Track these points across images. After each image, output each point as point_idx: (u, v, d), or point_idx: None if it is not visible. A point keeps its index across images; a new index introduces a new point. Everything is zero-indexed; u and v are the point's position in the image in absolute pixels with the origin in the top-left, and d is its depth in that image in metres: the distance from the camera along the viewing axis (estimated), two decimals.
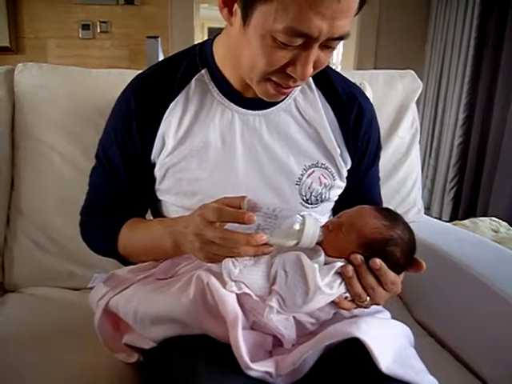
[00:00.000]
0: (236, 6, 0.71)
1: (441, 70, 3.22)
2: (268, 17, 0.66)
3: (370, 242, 0.69)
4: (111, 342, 0.84)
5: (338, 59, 4.57)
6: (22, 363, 0.88)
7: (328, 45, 0.70)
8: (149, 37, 2.83)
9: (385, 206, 0.99)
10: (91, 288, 0.86)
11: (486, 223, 2.14)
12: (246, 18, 0.69)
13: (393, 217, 0.73)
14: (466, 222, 2.18)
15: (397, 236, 0.70)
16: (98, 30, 3.19)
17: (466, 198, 3.05)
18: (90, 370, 0.86)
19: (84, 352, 0.89)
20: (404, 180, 1.39)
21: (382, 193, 1.04)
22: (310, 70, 0.71)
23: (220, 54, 0.85)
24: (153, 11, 3.21)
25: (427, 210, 3.11)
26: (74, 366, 0.87)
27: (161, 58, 2.82)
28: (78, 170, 1.19)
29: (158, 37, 2.81)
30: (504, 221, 2.23)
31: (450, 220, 3.01)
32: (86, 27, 3.16)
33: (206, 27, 7.37)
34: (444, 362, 1.00)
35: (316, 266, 0.67)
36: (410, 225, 0.76)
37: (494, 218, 2.23)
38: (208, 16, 6.23)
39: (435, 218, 1.87)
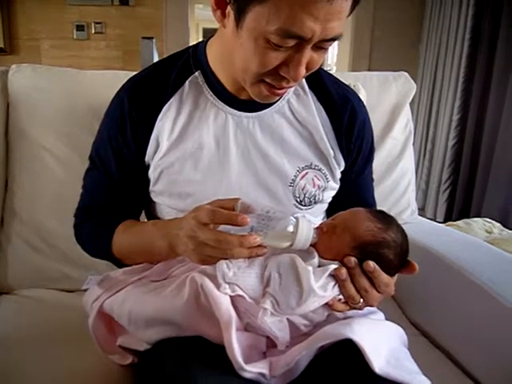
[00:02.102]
0: (229, 8, 0.71)
1: (435, 71, 3.23)
2: (261, 18, 0.66)
3: (363, 245, 0.70)
4: (105, 344, 0.84)
5: (333, 60, 4.59)
6: (16, 365, 0.87)
7: (321, 46, 0.70)
8: (144, 37, 2.82)
9: (379, 207, 1.00)
10: (85, 290, 0.86)
11: (479, 224, 2.15)
12: (238, 19, 0.69)
13: (386, 219, 0.73)
14: (460, 222, 2.20)
15: (390, 239, 0.71)
16: (93, 31, 3.18)
17: (460, 199, 3.06)
18: (84, 372, 0.86)
19: (78, 353, 0.89)
20: (398, 181, 1.40)
21: (376, 194, 1.04)
22: (303, 71, 0.72)
23: (213, 55, 0.85)
24: (147, 12, 3.21)
25: (421, 211, 3.12)
26: (68, 368, 0.87)
27: (155, 58, 2.82)
28: (73, 171, 1.18)
29: (152, 38, 2.81)
30: (497, 221, 2.25)
31: (445, 221, 3.02)
32: (80, 28, 3.15)
33: (201, 28, 7.38)
34: (437, 362, 1.00)
35: (310, 268, 0.67)
36: (404, 226, 0.76)
37: (487, 219, 2.25)
38: (203, 16, 6.24)
39: (429, 218, 1.88)
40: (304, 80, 0.87)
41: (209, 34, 0.88)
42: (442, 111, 3.17)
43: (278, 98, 0.83)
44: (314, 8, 0.63)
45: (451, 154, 3.09)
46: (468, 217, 2.77)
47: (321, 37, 0.67)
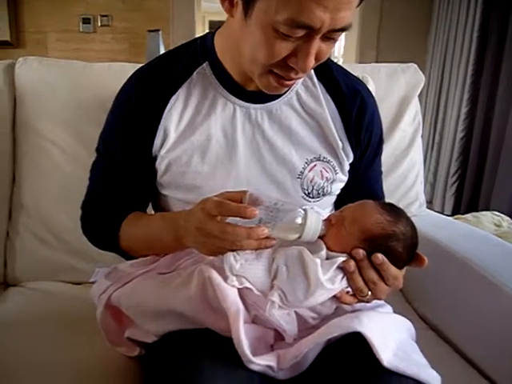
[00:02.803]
0: None
1: (443, 63, 3.20)
2: (270, 8, 0.65)
3: (372, 237, 0.69)
4: (113, 336, 0.84)
5: (340, 52, 4.56)
6: (23, 356, 0.88)
7: (330, 36, 0.69)
8: (150, 30, 2.82)
9: (387, 199, 1.00)
10: (93, 282, 0.86)
11: (488, 217, 2.13)
12: (247, 9, 0.69)
13: (396, 212, 0.72)
14: (468, 216, 2.18)
15: (399, 231, 0.70)
16: (99, 24, 3.18)
17: (468, 192, 3.04)
18: (91, 364, 0.86)
19: (86, 345, 0.89)
20: (406, 174, 1.39)
21: (385, 186, 1.04)
22: (312, 62, 0.71)
23: (221, 46, 0.84)
24: (154, 5, 3.20)
25: (429, 204, 3.09)
26: (74, 360, 0.87)
27: (162, 51, 2.82)
28: (79, 163, 1.19)
29: (159, 30, 2.80)
30: (506, 215, 2.22)
31: (453, 214, 3.00)
32: (86, 21, 3.15)
33: (207, 20, 7.34)
34: (445, 356, 0.99)
35: (318, 260, 0.67)
36: (412, 219, 0.75)
37: (496, 213, 2.22)
38: (209, 9, 6.20)
39: (437, 211, 1.87)
40: (313, 71, 0.86)
41: (215, 26, 0.87)
42: (450, 103, 3.14)
43: (286, 89, 0.82)
44: None
45: (459, 147, 3.06)
46: (476, 210, 2.75)
47: (330, 27, 0.66)
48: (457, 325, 1.05)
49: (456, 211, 3.05)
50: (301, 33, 0.66)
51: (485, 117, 2.94)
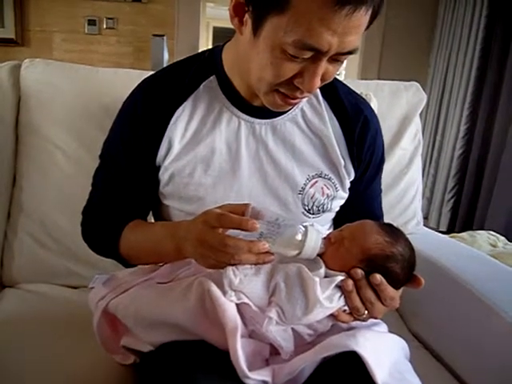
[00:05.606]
0: (247, 16, 0.71)
1: (444, 80, 3.22)
2: (279, 29, 0.66)
3: (371, 258, 0.70)
4: (108, 343, 0.84)
5: (342, 66, 4.59)
6: (16, 359, 0.88)
7: (337, 58, 0.71)
8: (154, 35, 2.84)
9: (385, 216, 1.01)
10: (90, 287, 0.87)
11: (483, 237, 2.13)
12: (256, 28, 0.70)
13: (394, 233, 0.73)
14: (464, 234, 2.18)
15: (398, 253, 0.71)
16: (104, 26, 3.18)
17: (464, 209, 3.06)
18: (85, 369, 0.86)
19: (80, 350, 0.89)
20: (405, 191, 1.40)
21: (383, 203, 1.04)
22: (318, 83, 0.72)
23: (229, 62, 0.85)
24: (159, 9, 3.21)
25: (425, 220, 3.10)
26: (70, 364, 0.87)
27: (165, 56, 2.83)
28: (81, 168, 1.19)
29: (163, 35, 2.82)
30: (501, 234, 2.23)
31: (448, 229, 3.01)
32: (92, 22, 3.15)
33: (211, 26, 7.35)
34: (438, 375, 1.00)
35: (317, 279, 0.67)
36: (409, 236, 0.76)
37: (492, 232, 2.23)
38: (214, 15, 6.21)
39: (432, 227, 1.87)
40: (318, 90, 0.87)
41: (219, 32, 0.88)
42: (449, 120, 3.16)
43: (291, 106, 0.83)
44: (333, 22, 0.63)
45: (457, 164, 3.08)
46: (471, 227, 2.76)
47: (337, 50, 0.67)
48: (449, 344, 1.06)
49: (451, 227, 3.07)
50: (308, 54, 0.67)
51: (484, 135, 2.96)
